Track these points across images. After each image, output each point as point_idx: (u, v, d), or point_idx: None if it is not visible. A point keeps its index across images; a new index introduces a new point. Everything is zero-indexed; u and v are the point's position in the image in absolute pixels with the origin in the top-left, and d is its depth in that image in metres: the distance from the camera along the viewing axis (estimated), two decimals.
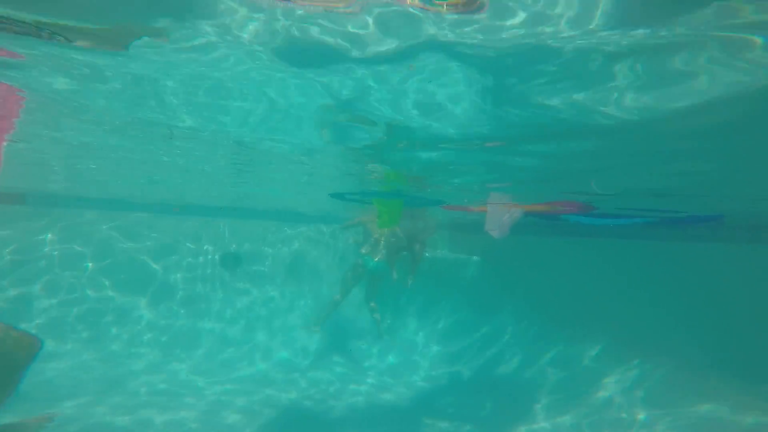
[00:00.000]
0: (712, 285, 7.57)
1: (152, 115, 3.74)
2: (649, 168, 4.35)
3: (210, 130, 4.23)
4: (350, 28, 2.02)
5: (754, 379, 6.47)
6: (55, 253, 9.71)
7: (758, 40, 1.91)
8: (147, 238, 10.56)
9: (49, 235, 9.81)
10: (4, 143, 5.23)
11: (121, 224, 10.47)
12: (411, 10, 1.83)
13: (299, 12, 1.92)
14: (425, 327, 11.20)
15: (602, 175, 4.79)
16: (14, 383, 3.70)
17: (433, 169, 5.21)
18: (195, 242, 10.94)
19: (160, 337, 9.73)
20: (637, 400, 7.08)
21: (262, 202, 10.88)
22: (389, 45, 2.14)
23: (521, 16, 1.81)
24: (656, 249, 8.90)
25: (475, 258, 11.54)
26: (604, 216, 7.47)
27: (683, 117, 2.90)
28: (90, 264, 9.89)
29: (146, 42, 2.33)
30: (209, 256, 10.96)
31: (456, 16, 1.85)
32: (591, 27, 1.87)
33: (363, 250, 9.20)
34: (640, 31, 1.90)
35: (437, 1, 1.77)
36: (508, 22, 1.86)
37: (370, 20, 1.93)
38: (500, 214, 8.59)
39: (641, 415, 6.67)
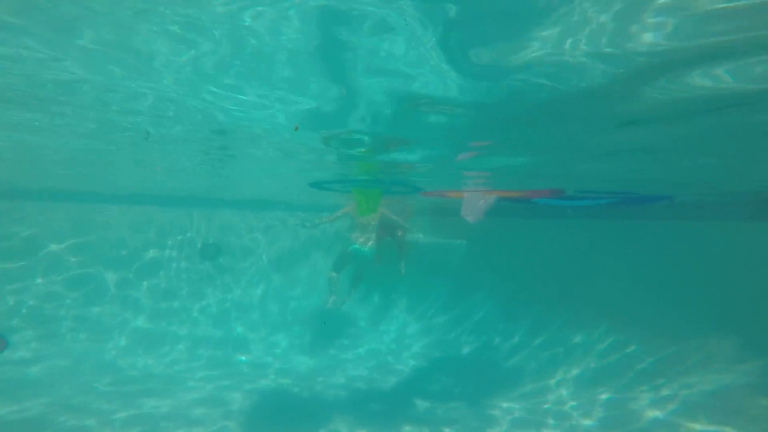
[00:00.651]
0: (668, 258, 8.41)
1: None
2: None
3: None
4: None
5: (712, 341, 7.38)
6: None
7: None
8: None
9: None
10: None
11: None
12: None
13: None
14: (409, 311, 11.65)
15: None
16: None
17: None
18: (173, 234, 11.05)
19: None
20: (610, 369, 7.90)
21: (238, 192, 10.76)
22: None
23: None
24: (619, 227, 9.69)
25: (456, 242, 12.00)
26: (572, 198, 8.09)
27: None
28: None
29: None
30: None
31: None
32: None
33: (350, 238, 9.42)
34: None
35: None
36: None
37: None
38: (475, 200, 9.08)
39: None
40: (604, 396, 7.23)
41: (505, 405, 7.19)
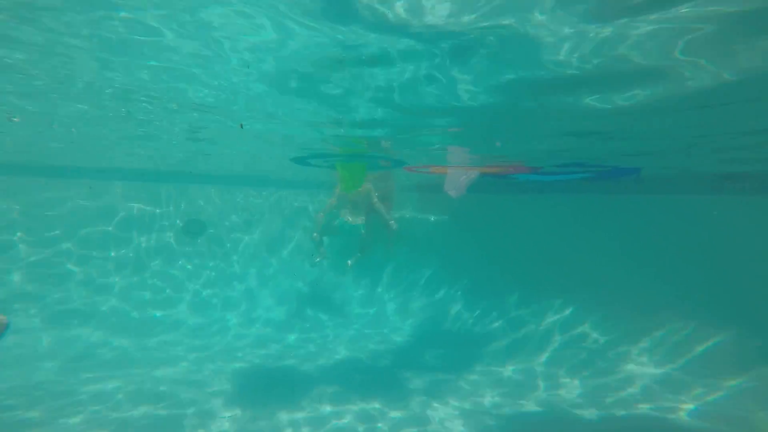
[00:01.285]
0: (640, 232, 8.98)
1: None
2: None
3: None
4: None
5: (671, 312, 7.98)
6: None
7: None
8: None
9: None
10: None
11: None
12: None
13: None
14: (394, 284, 12.04)
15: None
16: None
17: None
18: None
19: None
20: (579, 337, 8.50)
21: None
22: None
23: None
24: (591, 202, 10.22)
25: (440, 217, 12.31)
26: (548, 173, 8.53)
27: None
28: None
29: None
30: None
31: None
32: None
33: (339, 214, 9.62)
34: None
35: None
36: None
37: None
38: (458, 175, 9.44)
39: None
40: (586, 364, 7.78)
41: (506, 369, 7.73)
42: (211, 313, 10.59)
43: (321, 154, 7.90)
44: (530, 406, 6.46)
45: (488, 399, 6.67)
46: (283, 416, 5.92)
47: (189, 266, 11.18)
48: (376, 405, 6.32)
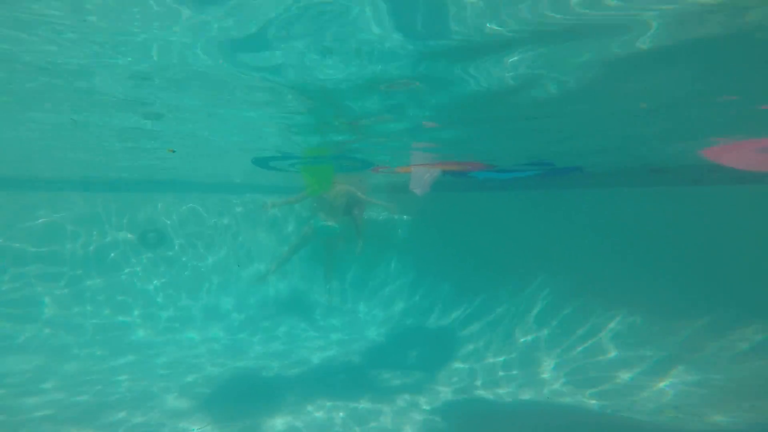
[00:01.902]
0: (589, 225, 9.84)
1: None
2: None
3: None
4: None
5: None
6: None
7: None
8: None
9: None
10: None
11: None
12: None
13: None
14: (369, 285, 12.35)
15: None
16: None
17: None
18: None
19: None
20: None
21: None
22: None
23: None
24: (542, 197, 11.09)
25: (407, 217, 12.79)
26: (502, 171, 9.29)
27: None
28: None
29: None
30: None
31: None
32: None
33: (317, 217, 9.84)
34: None
35: None
36: None
37: None
38: (422, 174, 10.07)
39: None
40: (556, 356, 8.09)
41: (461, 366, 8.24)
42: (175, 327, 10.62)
43: (287, 156, 7.86)
44: (510, 398, 6.71)
45: (471, 392, 7.00)
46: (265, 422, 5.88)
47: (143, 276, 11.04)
48: (362, 405, 6.42)
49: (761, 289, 7.16)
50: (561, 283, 9.44)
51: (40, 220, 10.11)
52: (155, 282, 10.93)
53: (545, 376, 7.37)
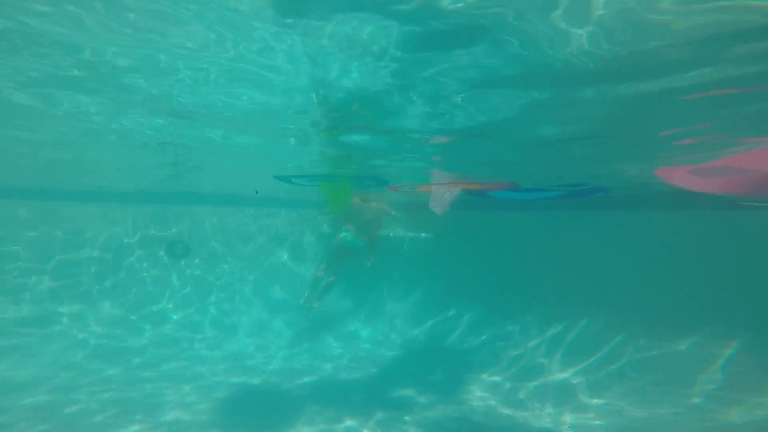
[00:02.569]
0: (609, 246, 9.64)
1: None
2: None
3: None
4: None
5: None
6: None
7: None
8: None
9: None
10: None
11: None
12: None
13: None
14: (386, 301, 12.29)
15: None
16: None
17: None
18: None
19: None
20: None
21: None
22: None
23: None
24: (568, 218, 10.89)
25: (426, 234, 12.71)
26: (526, 191, 9.15)
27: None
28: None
29: None
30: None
31: None
32: None
33: (345, 230, 9.81)
34: None
35: None
36: None
37: None
38: (442, 192, 9.99)
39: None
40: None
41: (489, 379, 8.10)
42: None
43: (307, 174, 7.93)
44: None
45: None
46: None
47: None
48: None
49: None
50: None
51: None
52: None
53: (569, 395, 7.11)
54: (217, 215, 12.17)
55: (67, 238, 10.63)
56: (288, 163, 7.10)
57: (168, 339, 10.14)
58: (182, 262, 11.38)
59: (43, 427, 5.85)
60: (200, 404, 6.88)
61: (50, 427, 5.88)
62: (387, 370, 8.88)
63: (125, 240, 11.05)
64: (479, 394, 7.56)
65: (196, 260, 11.66)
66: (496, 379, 8.24)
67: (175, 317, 10.86)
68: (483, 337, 10.01)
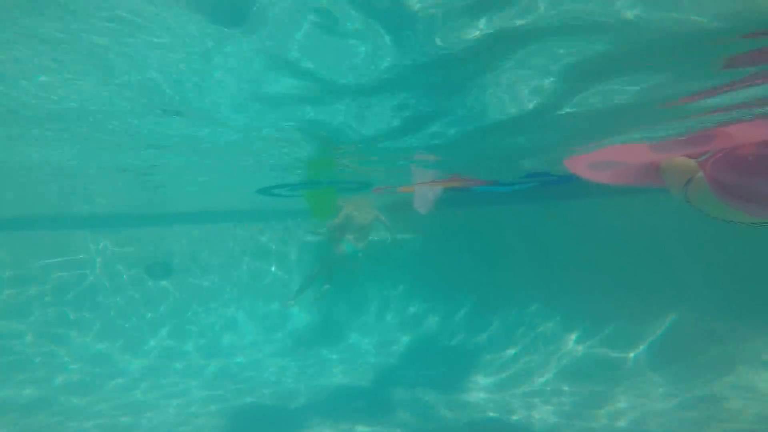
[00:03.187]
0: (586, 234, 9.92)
1: None
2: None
3: None
4: None
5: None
6: None
7: None
8: None
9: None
10: None
11: None
12: None
13: None
14: (379, 302, 12.39)
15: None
16: None
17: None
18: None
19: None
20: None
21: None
22: None
23: None
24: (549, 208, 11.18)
25: (413, 235, 12.84)
26: (503, 184, 9.43)
27: None
28: None
29: None
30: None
31: None
32: None
33: (344, 239, 9.96)
34: None
35: None
36: None
37: None
38: (426, 191, 10.23)
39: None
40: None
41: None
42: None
43: (288, 184, 7.98)
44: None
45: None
46: None
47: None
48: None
49: None
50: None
51: None
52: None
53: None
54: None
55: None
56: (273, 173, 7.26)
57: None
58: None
59: None
60: (198, 419, 7.03)
61: None
62: (387, 374, 8.95)
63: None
64: (482, 395, 7.67)
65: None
66: (496, 379, 8.38)
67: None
68: (483, 337, 10.21)
